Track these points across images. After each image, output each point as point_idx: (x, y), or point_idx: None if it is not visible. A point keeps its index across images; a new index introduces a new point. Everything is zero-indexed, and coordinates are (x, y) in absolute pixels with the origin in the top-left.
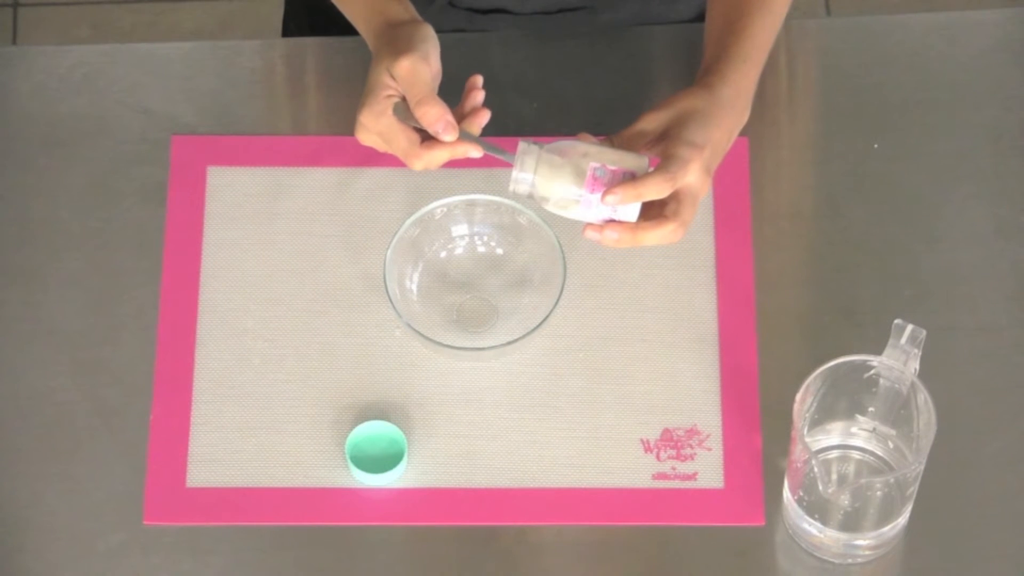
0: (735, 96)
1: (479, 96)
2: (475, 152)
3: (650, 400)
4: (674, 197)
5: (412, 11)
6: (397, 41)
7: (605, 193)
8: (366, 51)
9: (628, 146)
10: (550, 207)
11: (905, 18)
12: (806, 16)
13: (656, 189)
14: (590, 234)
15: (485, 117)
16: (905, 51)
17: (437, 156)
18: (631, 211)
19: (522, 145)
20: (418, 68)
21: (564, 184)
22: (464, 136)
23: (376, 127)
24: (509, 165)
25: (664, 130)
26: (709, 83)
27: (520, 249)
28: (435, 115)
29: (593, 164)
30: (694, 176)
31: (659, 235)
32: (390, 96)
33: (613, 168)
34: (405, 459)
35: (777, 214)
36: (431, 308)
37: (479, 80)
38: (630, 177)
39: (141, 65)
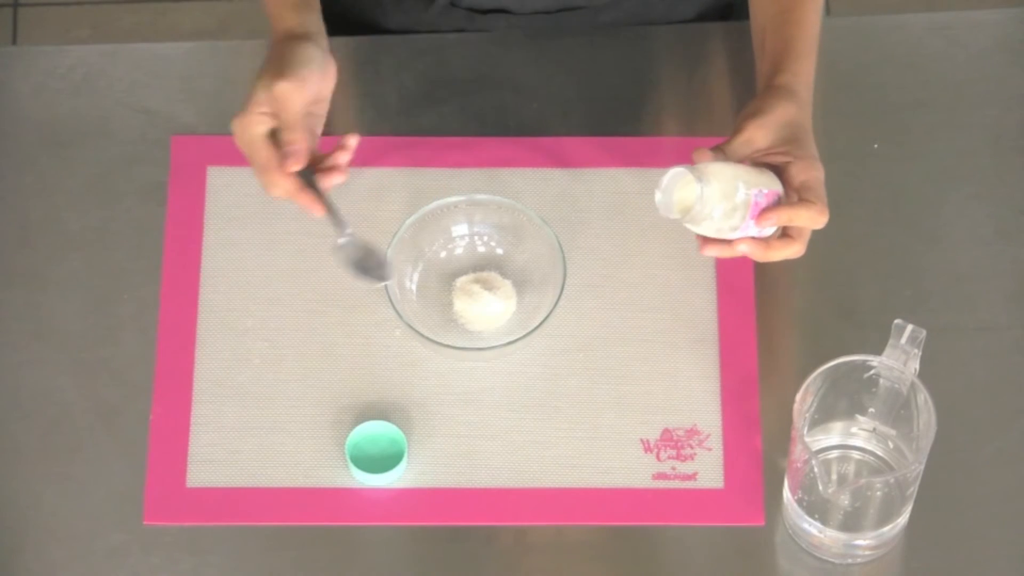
0: (808, 94)
1: (344, 157)
2: (317, 211)
3: (650, 400)
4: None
5: (309, 25)
6: (282, 59)
7: (760, 216)
8: (364, 52)
9: (737, 155)
10: (700, 227)
11: (905, 18)
12: None
13: (810, 218)
14: (711, 251)
15: (340, 179)
16: (905, 51)
17: (285, 185)
18: (771, 230)
19: (681, 169)
20: (292, 94)
21: (729, 206)
22: (312, 186)
23: (242, 136)
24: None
25: (771, 143)
26: (789, 86)
27: (520, 249)
28: (289, 141)
29: (753, 191)
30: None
31: (787, 252)
32: (262, 113)
33: (767, 192)
34: (405, 459)
35: None
36: (431, 308)
37: (353, 141)
38: (776, 198)
39: (141, 65)
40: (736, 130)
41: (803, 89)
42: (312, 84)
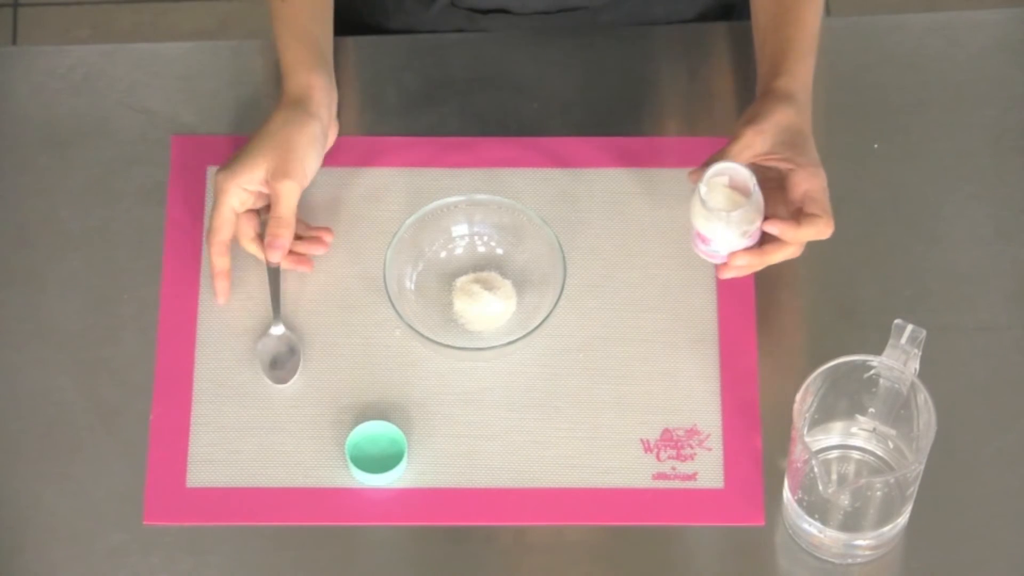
0: (807, 97)
1: (319, 250)
2: (220, 301)
3: (650, 400)
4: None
5: (319, 90)
6: (288, 149)
7: (764, 223)
8: (364, 52)
9: (736, 161)
10: (713, 226)
11: (905, 18)
12: None
13: (817, 232)
14: (729, 275)
15: (305, 270)
16: (905, 51)
17: (218, 262)
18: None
19: (740, 167)
20: (293, 194)
21: (754, 218)
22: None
23: (219, 194)
24: None
25: (770, 148)
26: (787, 89)
27: (520, 249)
28: (277, 235)
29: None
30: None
31: (784, 255)
32: (249, 191)
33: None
34: (405, 459)
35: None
36: (431, 308)
37: (329, 238)
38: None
39: (141, 65)
40: (735, 136)
41: (801, 92)
42: (311, 178)
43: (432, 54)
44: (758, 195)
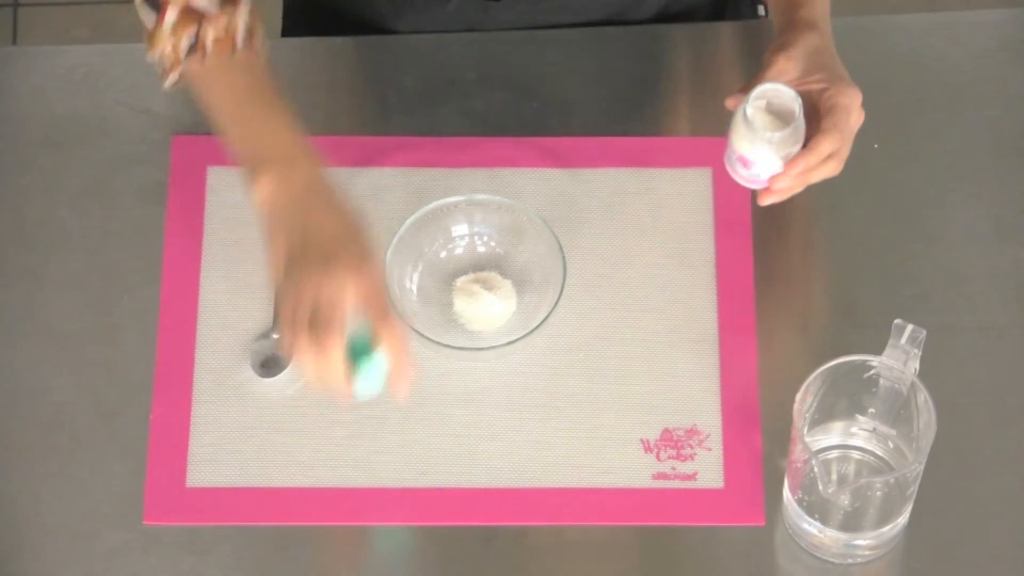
0: (827, 24)
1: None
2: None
3: (650, 400)
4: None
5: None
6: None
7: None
8: (364, 52)
9: None
10: (757, 147)
11: (905, 18)
12: None
13: (829, 146)
14: (770, 200)
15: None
16: (905, 51)
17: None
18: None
19: (785, 89)
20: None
21: (796, 141)
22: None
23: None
24: None
25: (801, 73)
26: (809, 18)
27: (520, 249)
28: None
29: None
30: (855, 113)
31: (824, 172)
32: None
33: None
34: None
35: (777, 214)
36: (431, 308)
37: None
38: None
39: (141, 65)
40: (766, 64)
41: (822, 21)
42: None
43: (432, 54)
44: (801, 118)
